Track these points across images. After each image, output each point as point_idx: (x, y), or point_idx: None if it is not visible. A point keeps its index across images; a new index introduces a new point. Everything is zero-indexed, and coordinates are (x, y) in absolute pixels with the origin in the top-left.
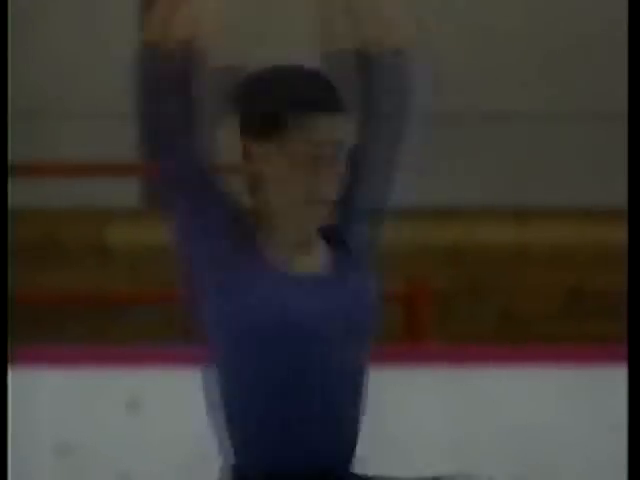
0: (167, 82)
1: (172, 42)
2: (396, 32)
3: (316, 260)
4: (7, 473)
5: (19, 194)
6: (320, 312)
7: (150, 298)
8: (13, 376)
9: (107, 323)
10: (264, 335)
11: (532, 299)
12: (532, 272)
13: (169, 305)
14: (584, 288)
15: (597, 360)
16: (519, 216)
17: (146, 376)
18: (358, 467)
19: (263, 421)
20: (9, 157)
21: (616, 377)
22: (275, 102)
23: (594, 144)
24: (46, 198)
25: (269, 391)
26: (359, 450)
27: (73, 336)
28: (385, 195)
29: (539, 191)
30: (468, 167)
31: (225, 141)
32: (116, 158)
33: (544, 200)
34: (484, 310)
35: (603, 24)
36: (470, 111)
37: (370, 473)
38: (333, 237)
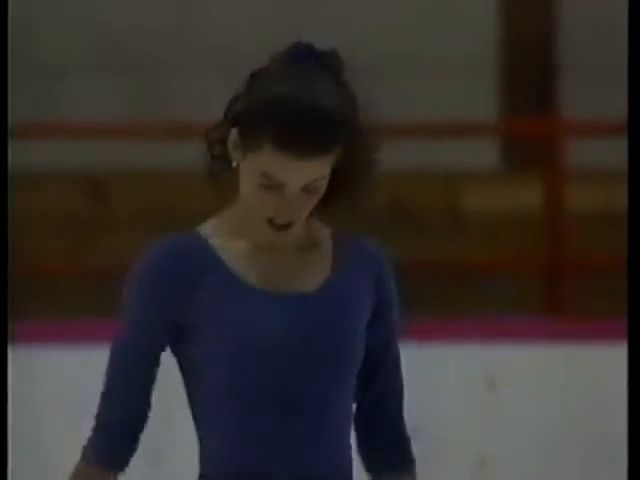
0: None
1: None
2: None
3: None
4: (7, 473)
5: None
6: (282, 336)
7: (506, 267)
8: None
9: (461, 293)
10: (229, 355)
11: None
12: None
13: (526, 275)
14: None
15: None
16: None
17: (501, 351)
18: None
19: (227, 437)
20: None
21: None
22: (260, 121)
23: None
24: (394, 160)
25: (232, 408)
26: None
27: (425, 306)
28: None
29: None
30: None
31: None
32: (471, 117)
33: None
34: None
35: None
36: None
37: None
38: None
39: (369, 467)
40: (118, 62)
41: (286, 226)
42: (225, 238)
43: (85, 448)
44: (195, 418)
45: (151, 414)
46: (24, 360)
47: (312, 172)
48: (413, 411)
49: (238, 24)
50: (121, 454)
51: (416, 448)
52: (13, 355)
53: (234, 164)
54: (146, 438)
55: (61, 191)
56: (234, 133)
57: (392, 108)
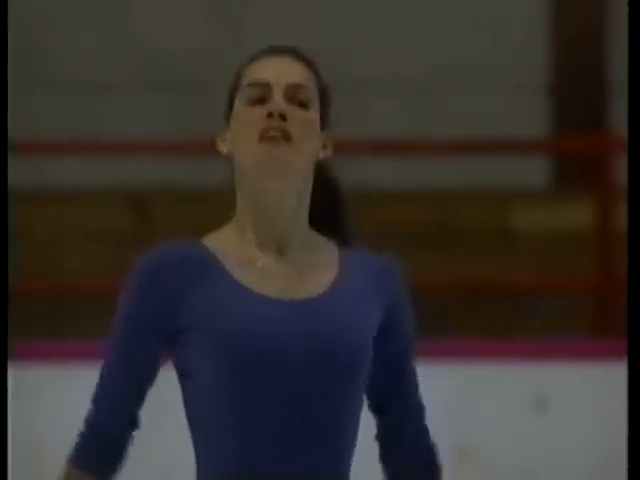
0: None
1: None
2: None
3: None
4: (7, 473)
5: (409, 174)
6: (285, 340)
7: (556, 286)
8: None
9: (511, 314)
10: (228, 359)
11: None
12: None
13: (576, 294)
14: None
15: None
16: None
17: (553, 372)
18: None
19: (224, 439)
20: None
21: None
22: (237, 74)
23: None
24: (444, 178)
25: (232, 412)
26: None
27: (472, 328)
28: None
29: None
30: None
31: None
32: (522, 134)
33: None
34: None
35: None
36: None
37: None
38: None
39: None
40: (162, 79)
41: (279, 139)
42: (227, 246)
43: (75, 453)
44: (191, 425)
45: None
46: (65, 378)
47: (292, 71)
48: (462, 432)
49: (278, 41)
50: (110, 461)
51: (465, 469)
52: (52, 373)
53: (224, 151)
54: None
55: (105, 209)
56: (222, 131)
57: (442, 125)
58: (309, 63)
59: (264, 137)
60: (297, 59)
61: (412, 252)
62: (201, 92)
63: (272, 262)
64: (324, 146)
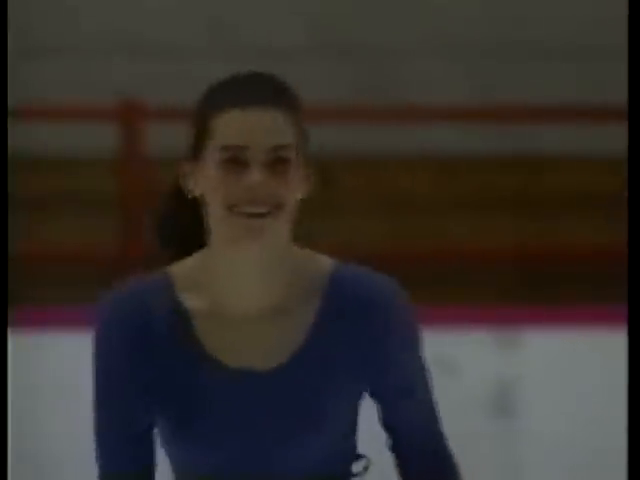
0: None
1: None
2: None
3: (274, 336)
4: (7, 469)
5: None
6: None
7: None
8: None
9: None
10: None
11: None
12: None
13: None
14: None
15: None
16: None
17: None
18: None
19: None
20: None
21: None
22: (202, 107)
23: None
24: (588, 145)
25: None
26: None
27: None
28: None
29: None
30: None
31: None
32: None
33: None
34: None
35: None
36: None
37: None
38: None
39: None
40: (341, 45)
41: (258, 215)
42: (195, 294)
43: None
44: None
45: None
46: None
47: (273, 130)
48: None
49: (453, 8)
50: None
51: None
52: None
53: (195, 194)
54: None
55: None
56: (184, 165)
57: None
58: (288, 101)
59: (239, 212)
60: (276, 105)
61: (556, 221)
62: (380, 56)
63: (238, 321)
64: (306, 179)
